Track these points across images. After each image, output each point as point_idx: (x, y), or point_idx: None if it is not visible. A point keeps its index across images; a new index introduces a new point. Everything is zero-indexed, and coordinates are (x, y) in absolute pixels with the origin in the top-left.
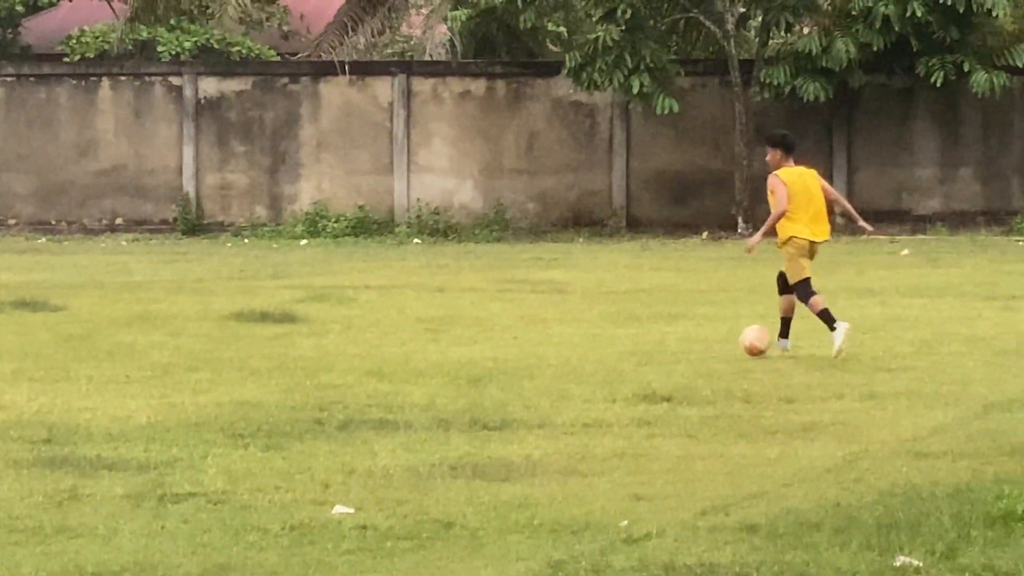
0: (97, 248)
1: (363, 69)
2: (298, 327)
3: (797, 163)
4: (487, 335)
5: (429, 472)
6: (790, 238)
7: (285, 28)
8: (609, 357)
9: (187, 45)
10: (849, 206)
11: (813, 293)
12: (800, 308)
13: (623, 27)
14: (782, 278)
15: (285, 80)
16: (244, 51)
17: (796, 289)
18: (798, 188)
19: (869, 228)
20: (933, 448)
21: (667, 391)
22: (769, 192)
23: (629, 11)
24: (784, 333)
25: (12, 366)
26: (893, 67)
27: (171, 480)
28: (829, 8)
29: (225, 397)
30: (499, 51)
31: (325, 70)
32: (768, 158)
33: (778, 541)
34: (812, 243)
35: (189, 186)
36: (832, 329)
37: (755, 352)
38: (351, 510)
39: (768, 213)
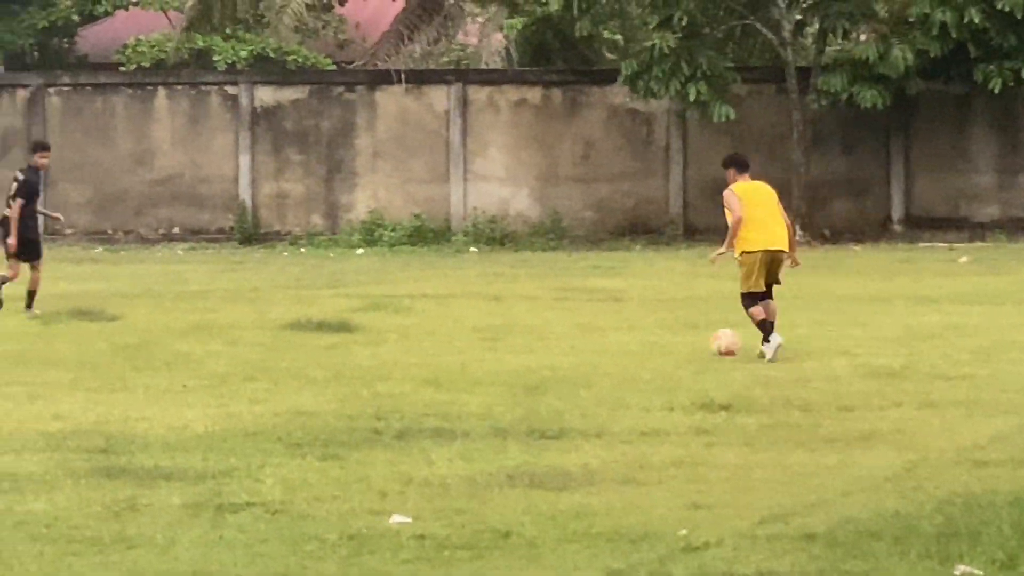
0: (153, 257)
1: (419, 78)
2: (355, 336)
3: (755, 179)
4: (543, 344)
5: (486, 481)
6: (743, 252)
7: (341, 37)
8: (666, 365)
9: (243, 54)
10: (794, 241)
11: (754, 303)
12: (780, 310)
13: (679, 35)
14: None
15: (341, 89)
16: (300, 60)
17: (742, 298)
18: (749, 198)
19: (797, 264)
20: (992, 456)
21: (725, 399)
22: (726, 207)
23: (685, 19)
24: (766, 337)
25: (69, 376)
26: (951, 74)
27: (228, 490)
28: (886, 15)
29: (282, 406)
30: (555, 59)
31: (381, 79)
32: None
33: (837, 550)
34: (767, 252)
35: (245, 195)
36: (765, 341)
37: (730, 354)
38: (409, 519)
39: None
